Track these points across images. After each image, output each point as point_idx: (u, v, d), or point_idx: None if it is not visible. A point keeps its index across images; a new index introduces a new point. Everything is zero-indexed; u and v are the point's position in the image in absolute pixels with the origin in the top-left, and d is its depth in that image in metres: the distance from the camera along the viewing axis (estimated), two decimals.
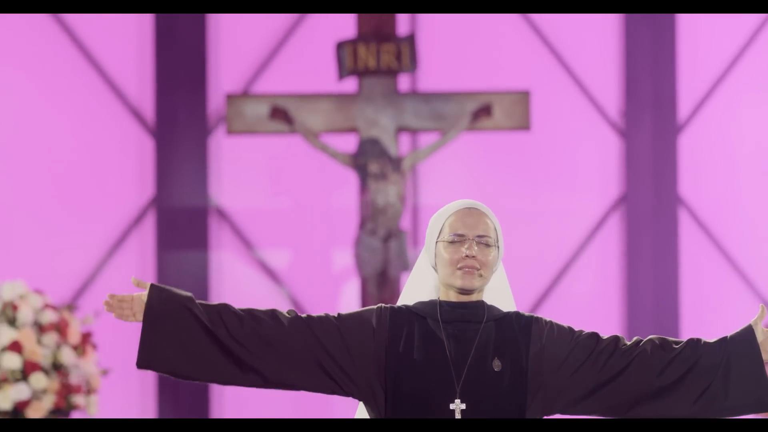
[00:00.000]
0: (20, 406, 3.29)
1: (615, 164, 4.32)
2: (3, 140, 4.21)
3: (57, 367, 3.33)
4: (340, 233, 3.92)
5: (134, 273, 4.55)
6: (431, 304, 1.84)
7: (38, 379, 3.29)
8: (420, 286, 1.91)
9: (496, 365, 1.81)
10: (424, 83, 4.28)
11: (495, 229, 1.83)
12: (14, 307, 3.31)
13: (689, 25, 4.41)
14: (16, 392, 3.26)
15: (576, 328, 1.82)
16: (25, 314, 3.33)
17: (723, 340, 1.83)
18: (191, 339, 1.77)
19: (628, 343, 1.81)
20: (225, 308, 1.77)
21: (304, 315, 1.82)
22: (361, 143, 3.73)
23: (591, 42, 4.56)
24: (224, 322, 1.77)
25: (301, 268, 3.98)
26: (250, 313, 1.79)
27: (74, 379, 3.32)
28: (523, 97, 3.87)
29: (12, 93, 4.18)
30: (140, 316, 1.77)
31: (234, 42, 4.34)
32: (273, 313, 1.79)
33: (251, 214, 4.11)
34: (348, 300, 3.98)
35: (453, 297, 1.82)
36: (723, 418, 1.84)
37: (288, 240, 4.27)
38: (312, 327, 1.79)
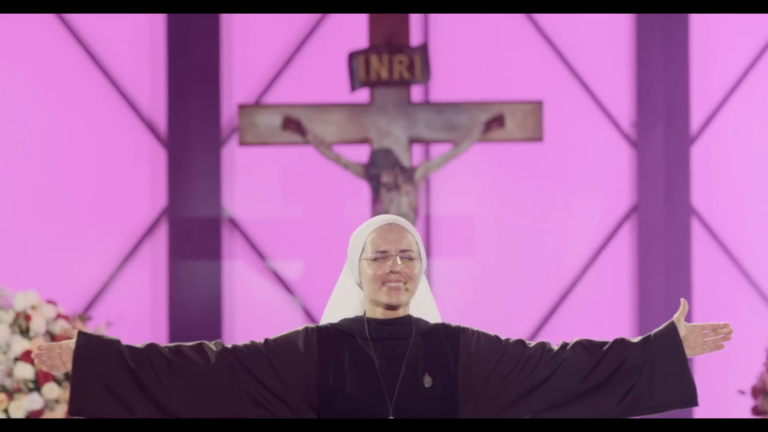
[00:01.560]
0: (33, 416, 3.30)
1: (627, 174, 4.32)
2: (16, 151, 4.23)
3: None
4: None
5: (147, 283, 4.58)
6: (358, 321, 1.84)
7: (51, 389, 3.30)
8: (344, 303, 1.90)
9: (427, 381, 1.81)
10: (437, 94, 4.28)
11: (417, 243, 1.82)
12: (27, 318, 3.31)
13: (702, 35, 4.40)
14: (29, 402, 3.26)
15: (503, 337, 1.82)
16: (37, 324, 3.33)
17: (647, 339, 1.84)
18: (118, 382, 1.79)
19: (555, 348, 1.81)
20: (152, 349, 1.77)
21: (230, 346, 1.82)
22: (374, 154, 3.73)
23: (603, 52, 4.56)
24: (151, 362, 1.78)
25: (314, 278, 3.97)
26: (178, 352, 1.79)
27: None
28: (536, 108, 3.87)
29: (25, 104, 4.20)
30: (69, 365, 1.79)
31: (247, 53, 4.36)
32: (201, 349, 1.78)
33: (264, 224, 4.11)
34: None
35: (380, 314, 1.82)
36: (650, 416, 1.85)
37: (301, 250, 4.28)
38: (240, 359, 1.78)
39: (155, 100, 4.15)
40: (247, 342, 1.80)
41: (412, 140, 3.79)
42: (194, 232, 3.95)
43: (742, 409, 3.60)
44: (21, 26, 4.22)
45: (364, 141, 3.77)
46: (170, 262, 3.93)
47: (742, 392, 3.63)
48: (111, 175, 4.16)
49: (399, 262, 1.78)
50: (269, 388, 1.79)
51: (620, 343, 1.83)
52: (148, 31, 4.20)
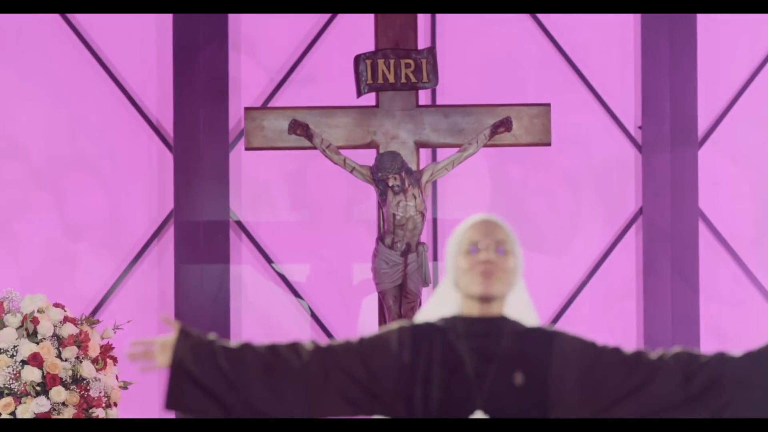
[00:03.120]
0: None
1: (633, 178, 4.31)
2: (22, 153, 4.23)
3: (77, 381, 3.34)
4: (359, 247, 3.91)
5: (154, 287, 4.58)
6: (452, 319, 1.84)
7: (58, 393, 3.30)
8: (442, 304, 1.91)
9: (518, 379, 1.81)
10: (444, 97, 4.27)
11: (512, 240, 1.83)
12: (35, 321, 3.32)
13: (709, 37, 4.40)
14: (36, 405, 3.27)
15: (600, 343, 1.83)
16: (45, 328, 3.33)
17: (748, 354, 1.84)
18: (213, 382, 1.79)
19: (653, 356, 1.82)
20: (247, 348, 1.78)
21: (324, 345, 1.83)
22: (380, 157, 3.72)
23: (609, 55, 4.56)
24: (246, 362, 1.80)
25: (321, 281, 3.98)
26: (273, 351, 1.79)
27: (94, 393, 3.32)
28: (543, 111, 3.86)
29: (31, 105, 4.20)
30: (166, 361, 1.80)
31: (254, 56, 4.36)
32: (295, 348, 1.80)
33: (271, 227, 4.11)
34: (367, 313, 3.97)
35: (475, 310, 1.83)
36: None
37: (308, 254, 4.29)
38: (335, 357, 1.79)
39: (162, 103, 4.15)
40: (342, 340, 1.82)
41: (419, 144, 3.79)
42: (201, 235, 3.95)
43: None
44: (26, 27, 4.22)
45: (371, 145, 3.77)
46: (177, 265, 3.94)
47: None
48: (118, 178, 4.16)
49: (493, 252, 1.80)
50: (363, 385, 1.80)
51: (720, 356, 1.84)
52: (155, 33, 4.20)
